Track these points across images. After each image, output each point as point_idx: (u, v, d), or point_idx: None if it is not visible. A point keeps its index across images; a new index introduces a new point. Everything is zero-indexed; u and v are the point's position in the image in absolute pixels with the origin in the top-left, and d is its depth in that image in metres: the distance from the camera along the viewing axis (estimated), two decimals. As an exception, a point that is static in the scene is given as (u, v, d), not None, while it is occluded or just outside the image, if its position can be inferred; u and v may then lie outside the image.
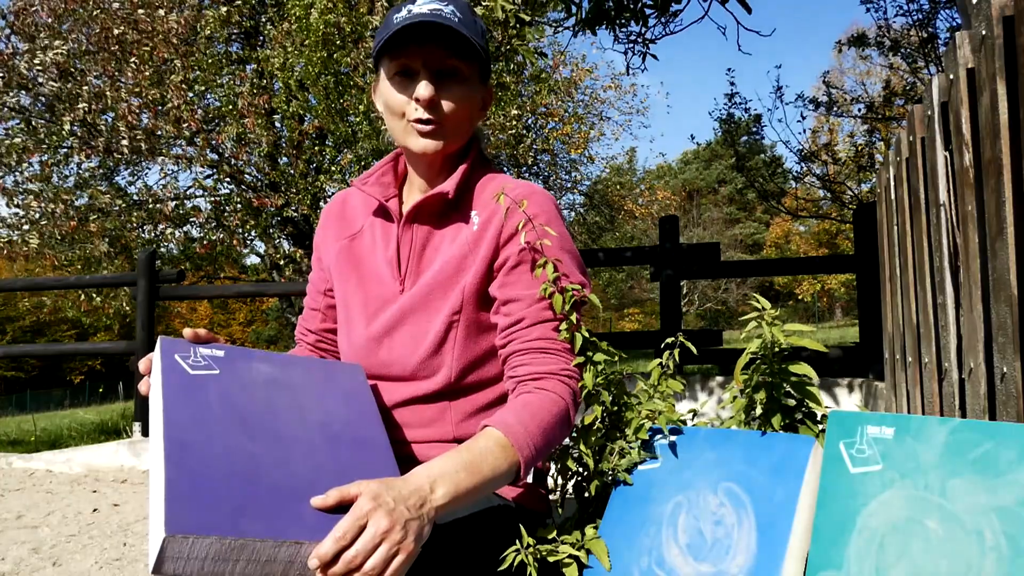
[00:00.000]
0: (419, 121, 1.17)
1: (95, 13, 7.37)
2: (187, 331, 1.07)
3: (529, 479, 1.24)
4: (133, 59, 7.46)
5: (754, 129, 11.72)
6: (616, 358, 1.16)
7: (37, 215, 7.96)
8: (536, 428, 1.06)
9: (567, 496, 1.25)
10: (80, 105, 7.41)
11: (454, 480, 0.95)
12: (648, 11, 4.38)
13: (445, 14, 1.14)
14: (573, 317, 1.15)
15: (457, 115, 1.18)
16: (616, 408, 1.17)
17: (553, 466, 1.24)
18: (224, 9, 7.97)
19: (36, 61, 7.42)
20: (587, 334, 1.15)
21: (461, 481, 0.96)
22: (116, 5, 7.45)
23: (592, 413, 1.16)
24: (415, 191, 1.28)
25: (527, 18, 4.14)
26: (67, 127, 7.52)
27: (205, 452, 0.89)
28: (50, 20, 7.51)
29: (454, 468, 0.96)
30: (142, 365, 1.05)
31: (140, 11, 7.37)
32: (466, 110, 1.19)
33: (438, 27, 1.12)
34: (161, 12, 7.42)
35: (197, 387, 0.97)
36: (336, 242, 1.32)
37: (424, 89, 1.14)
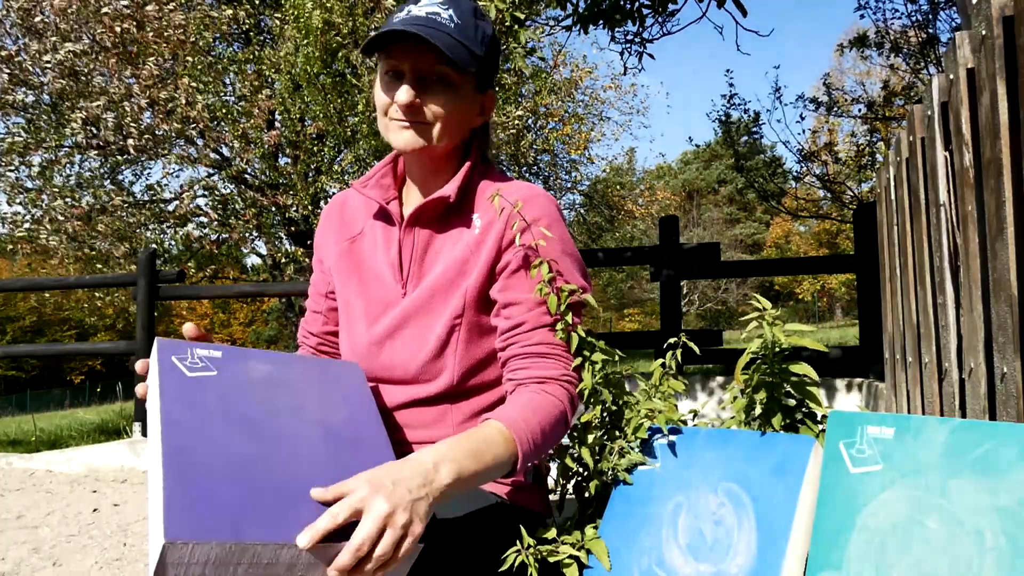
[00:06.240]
0: (399, 119, 1.17)
1: (104, 11, 7.34)
2: (188, 326, 1.06)
3: (528, 479, 1.24)
4: (150, 60, 7.44)
5: (754, 129, 11.74)
6: (615, 357, 1.16)
7: (39, 213, 7.95)
8: (536, 425, 1.07)
9: (567, 496, 1.25)
10: (96, 103, 7.39)
11: (459, 462, 0.95)
12: (645, 10, 4.37)
13: (441, 20, 1.14)
14: (569, 317, 1.15)
15: (442, 120, 1.17)
16: (616, 407, 1.17)
17: (553, 466, 1.24)
18: (229, 12, 7.96)
19: (46, 59, 7.39)
20: (583, 334, 1.15)
21: (465, 465, 0.96)
22: (124, 2, 7.42)
23: (591, 412, 1.16)
24: (414, 193, 1.27)
25: (522, 16, 4.12)
26: (75, 124, 7.49)
27: (203, 456, 0.88)
28: (58, 20, 7.48)
29: (459, 451, 0.97)
30: (139, 368, 1.05)
31: (149, 7, 7.33)
32: (452, 116, 1.18)
33: (426, 37, 1.11)
34: (170, 8, 7.40)
35: (195, 390, 0.96)
36: (337, 244, 1.32)
37: (403, 94, 1.14)
